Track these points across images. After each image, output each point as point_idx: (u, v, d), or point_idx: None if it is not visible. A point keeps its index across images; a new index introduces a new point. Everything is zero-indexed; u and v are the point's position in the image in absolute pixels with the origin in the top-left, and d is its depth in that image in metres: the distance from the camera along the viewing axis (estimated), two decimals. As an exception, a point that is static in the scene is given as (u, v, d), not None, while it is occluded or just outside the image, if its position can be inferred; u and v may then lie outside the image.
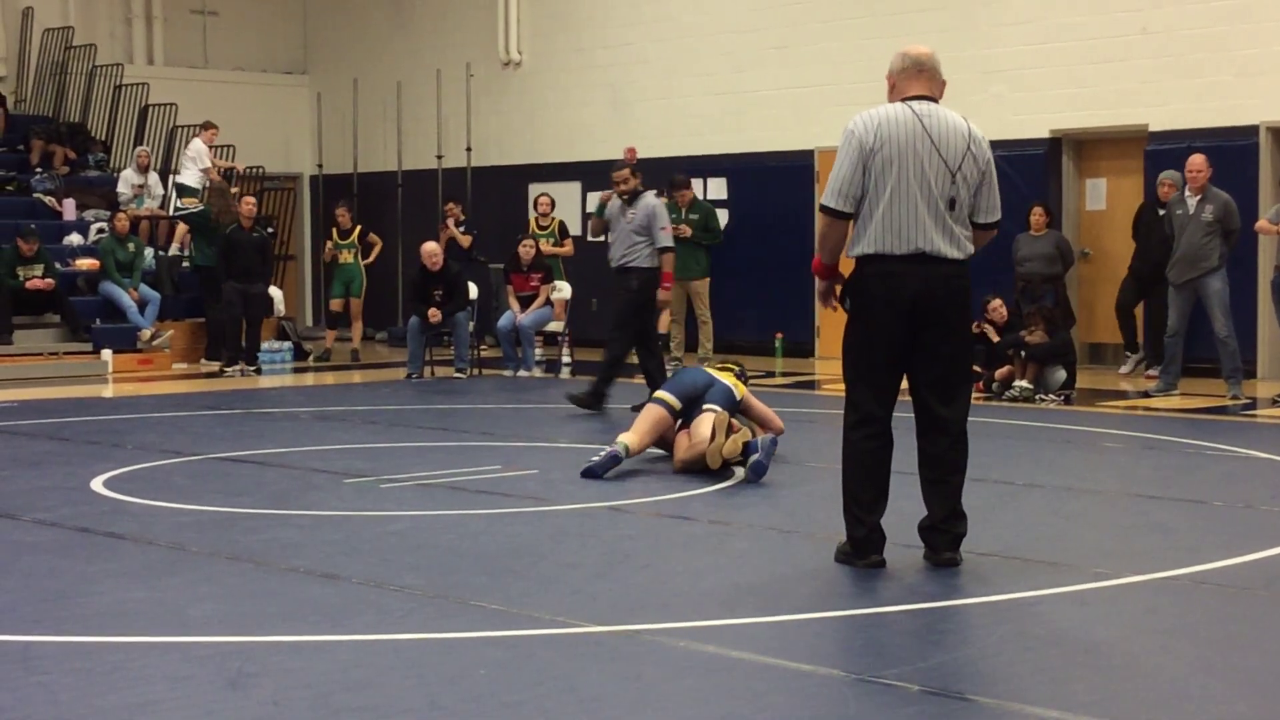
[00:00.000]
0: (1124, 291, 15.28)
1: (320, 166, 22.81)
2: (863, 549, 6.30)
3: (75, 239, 18.29)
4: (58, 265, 17.14)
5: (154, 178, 19.24)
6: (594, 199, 13.77)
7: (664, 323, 15.82)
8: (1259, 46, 14.70)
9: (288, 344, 17.88)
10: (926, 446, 6.34)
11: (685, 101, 18.74)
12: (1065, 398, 13.05)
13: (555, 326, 16.53)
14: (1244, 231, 13.28)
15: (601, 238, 12.85)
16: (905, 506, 6.61)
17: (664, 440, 9.16)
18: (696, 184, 17.58)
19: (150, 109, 20.21)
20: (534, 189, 19.29)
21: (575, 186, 19.30)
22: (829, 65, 17.28)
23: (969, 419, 6.39)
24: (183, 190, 18.87)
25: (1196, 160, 13.11)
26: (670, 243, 12.20)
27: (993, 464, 8.95)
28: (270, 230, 18.90)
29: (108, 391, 14.97)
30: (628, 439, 8.86)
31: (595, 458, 8.74)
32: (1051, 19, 15.90)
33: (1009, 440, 10.61)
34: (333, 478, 8.90)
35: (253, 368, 16.55)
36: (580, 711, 4.48)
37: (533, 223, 17.68)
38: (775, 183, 17.96)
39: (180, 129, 19.81)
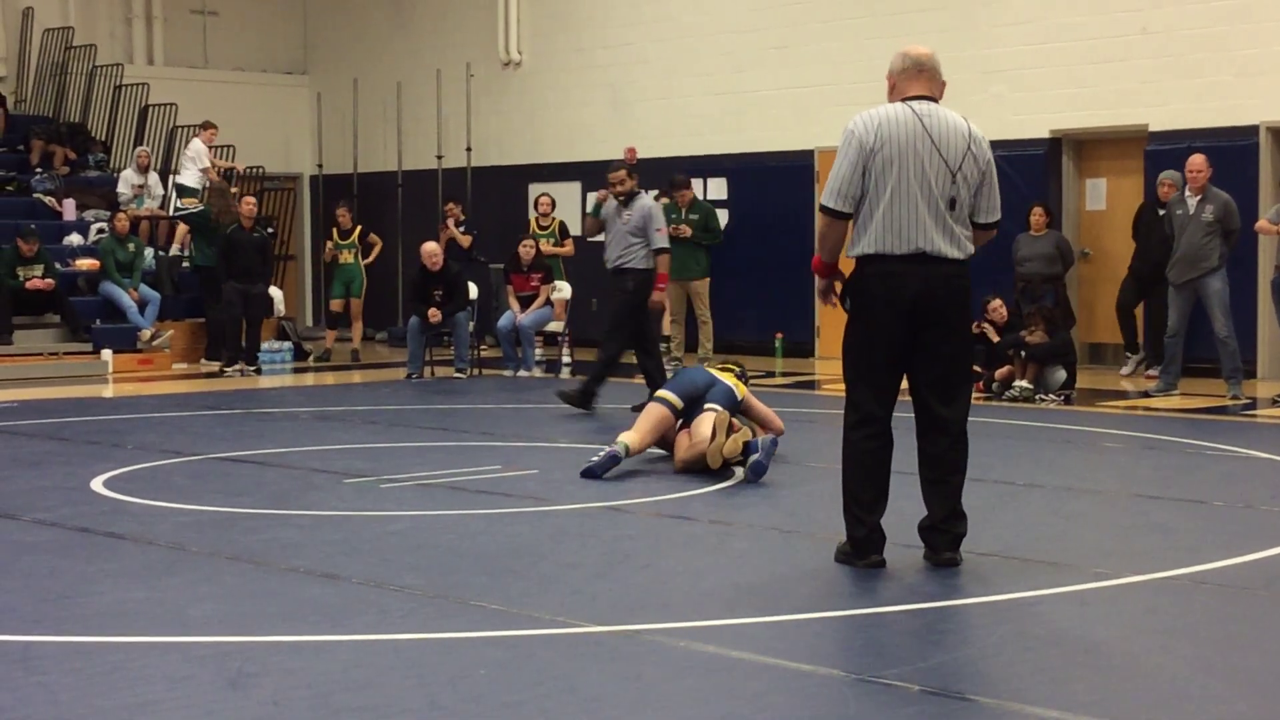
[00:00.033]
0: (1124, 292, 15.28)
1: (320, 166, 22.81)
2: (863, 549, 6.30)
3: (75, 239, 18.29)
4: (58, 265, 17.14)
5: (154, 178, 19.25)
6: (592, 199, 13.77)
7: (666, 324, 15.84)
8: (1259, 46, 14.70)
9: (288, 344, 17.88)
10: (926, 446, 6.34)
11: (685, 101, 18.74)
12: (1065, 398, 13.05)
13: (555, 326, 16.53)
14: (1244, 231, 13.28)
15: (598, 237, 12.85)
16: (905, 506, 6.61)
17: (665, 440, 9.17)
18: (696, 184, 17.59)
19: (150, 109, 20.22)
20: (534, 189, 19.29)
21: (575, 186, 19.29)
22: (829, 65, 17.28)
23: (969, 419, 6.39)
24: (182, 190, 18.87)
25: (1196, 160, 13.11)
26: (666, 244, 12.20)
27: (993, 464, 8.95)
28: (270, 230, 18.91)
29: (108, 391, 14.97)
30: (628, 438, 8.86)
31: (594, 458, 8.74)
32: (1051, 19, 15.91)
33: (1009, 440, 10.61)
34: (333, 478, 8.90)
35: (253, 368, 16.55)
36: (580, 711, 4.48)
37: (533, 223, 17.69)
38: (775, 183, 17.96)
39: (180, 129, 19.82)
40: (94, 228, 18.54)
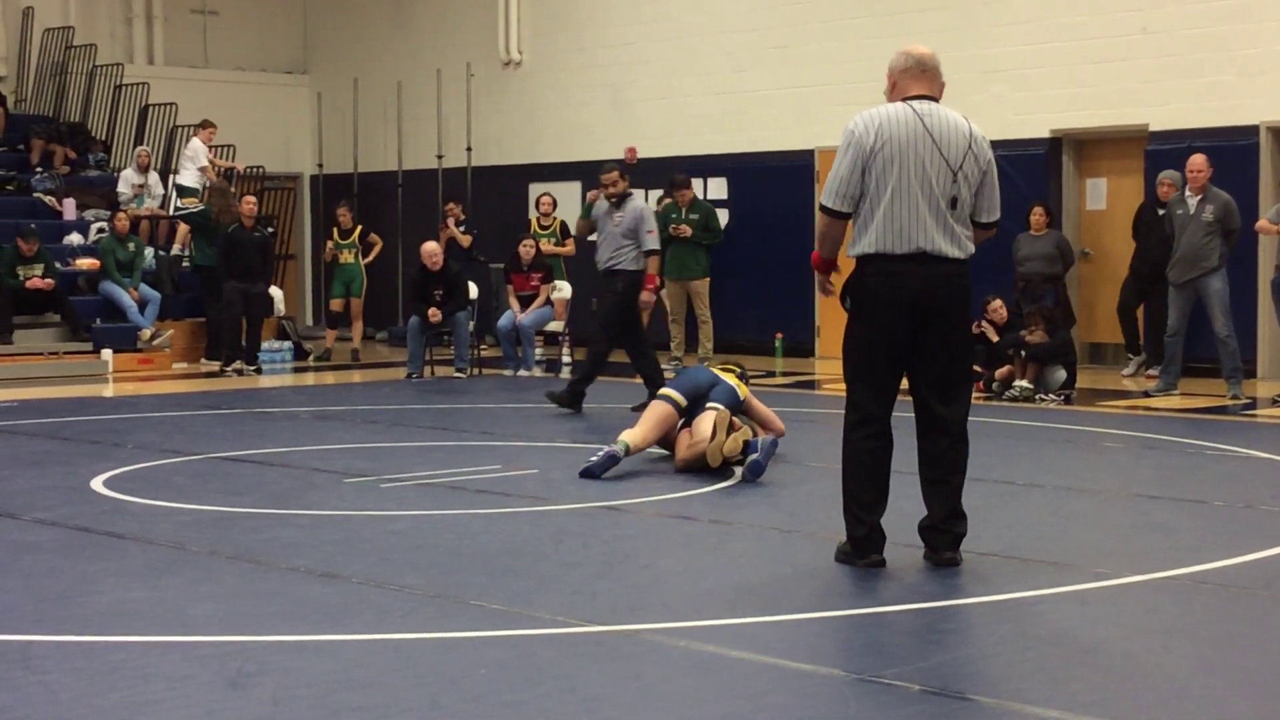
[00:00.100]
0: (1125, 292, 15.28)
1: (320, 166, 22.81)
2: (863, 549, 6.30)
3: (75, 239, 18.29)
4: (58, 265, 17.14)
5: (154, 177, 19.25)
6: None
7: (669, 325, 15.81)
8: (1259, 46, 14.70)
9: (288, 344, 17.88)
10: (926, 446, 6.34)
11: (685, 101, 18.74)
12: (1065, 398, 13.05)
13: (555, 326, 16.54)
14: (1244, 231, 13.28)
15: (591, 238, 12.84)
16: (905, 506, 6.61)
17: (666, 439, 9.17)
18: (696, 184, 17.60)
19: (150, 109, 20.22)
20: (534, 189, 19.29)
21: (575, 186, 19.28)
22: (829, 65, 17.28)
23: (969, 419, 6.40)
24: (182, 190, 18.88)
25: (1197, 160, 13.11)
26: (656, 245, 12.20)
27: (993, 464, 8.95)
28: (271, 230, 18.91)
29: (108, 391, 14.96)
30: (630, 436, 8.86)
31: (593, 458, 8.74)
32: (1051, 19, 15.90)
33: (1009, 440, 10.61)
34: (333, 477, 8.90)
35: (253, 367, 16.55)
36: (580, 711, 4.48)
37: (534, 222, 17.70)
38: (775, 183, 17.96)
39: (180, 129, 19.82)
40: (94, 227, 18.54)
